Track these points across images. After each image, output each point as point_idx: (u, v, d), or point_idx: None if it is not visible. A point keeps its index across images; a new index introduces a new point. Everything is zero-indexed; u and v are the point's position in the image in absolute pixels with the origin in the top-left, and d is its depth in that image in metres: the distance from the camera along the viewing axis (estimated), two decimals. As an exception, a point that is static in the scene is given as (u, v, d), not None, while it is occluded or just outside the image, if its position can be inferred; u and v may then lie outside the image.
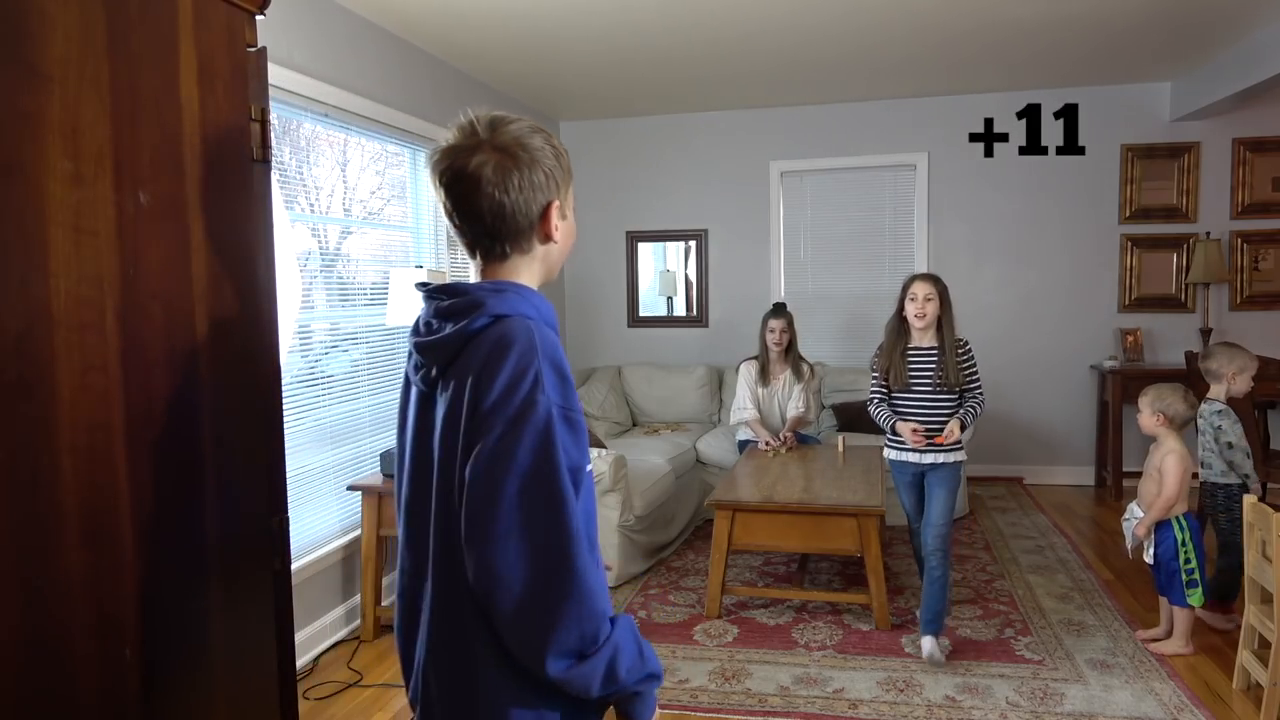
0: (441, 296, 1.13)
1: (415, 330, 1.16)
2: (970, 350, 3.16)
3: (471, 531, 1.02)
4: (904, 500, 3.32)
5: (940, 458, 3.13)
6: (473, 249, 1.16)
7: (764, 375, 4.71)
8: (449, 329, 1.10)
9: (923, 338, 3.18)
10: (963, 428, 3.09)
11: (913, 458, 3.18)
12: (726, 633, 3.40)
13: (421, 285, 1.19)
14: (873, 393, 3.29)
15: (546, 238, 1.16)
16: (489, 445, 1.01)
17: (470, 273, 1.22)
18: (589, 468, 1.15)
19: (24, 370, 1.04)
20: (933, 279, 3.15)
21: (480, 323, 1.08)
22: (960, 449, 3.17)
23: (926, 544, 3.14)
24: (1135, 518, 3.19)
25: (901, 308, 3.19)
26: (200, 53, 1.30)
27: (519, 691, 1.07)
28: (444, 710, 1.11)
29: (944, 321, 3.14)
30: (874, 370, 3.28)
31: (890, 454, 3.27)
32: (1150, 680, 2.90)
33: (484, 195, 1.09)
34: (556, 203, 1.15)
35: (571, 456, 1.04)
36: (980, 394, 3.17)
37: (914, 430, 3.10)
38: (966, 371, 3.14)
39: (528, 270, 1.17)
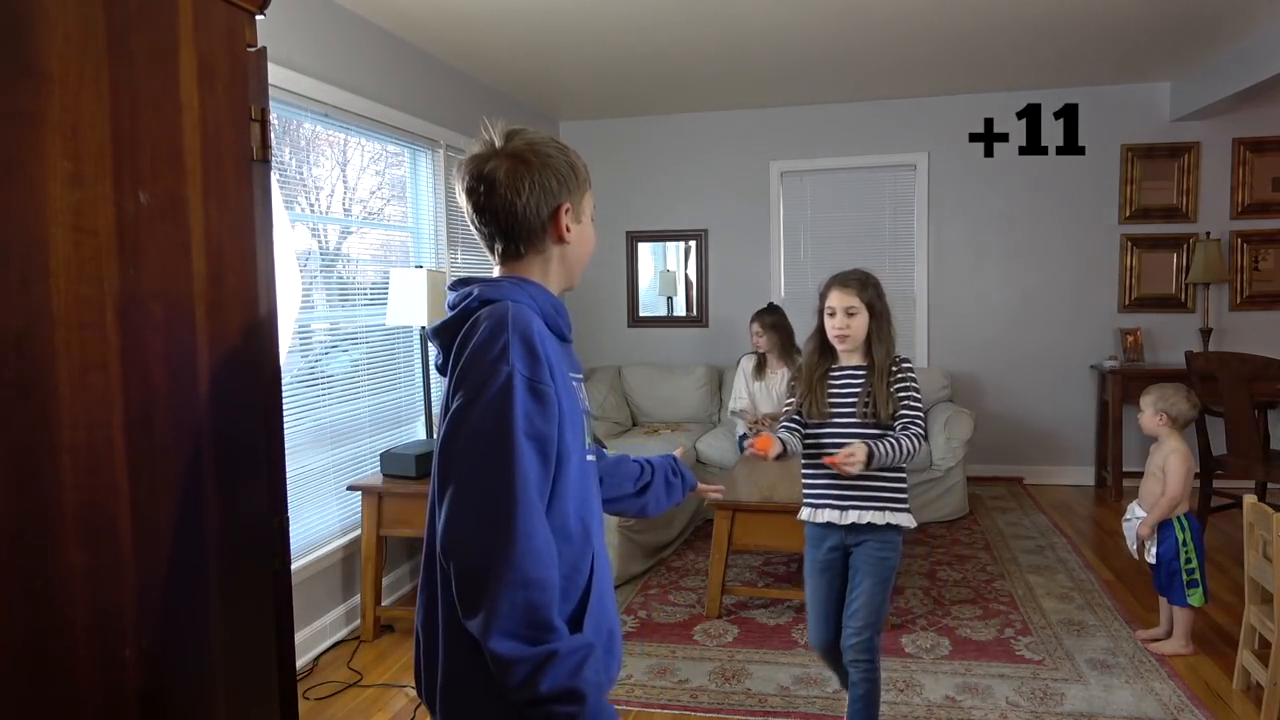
0: (452, 290, 1.25)
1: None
2: (909, 372, 2.24)
3: (439, 492, 1.07)
4: (810, 588, 2.34)
5: (869, 516, 2.20)
6: (491, 249, 1.26)
7: (759, 370, 4.83)
8: (451, 314, 1.21)
9: (850, 357, 2.29)
10: (870, 457, 2.07)
11: (832, 515, 2.25)
12: (726, 633, 3.40)
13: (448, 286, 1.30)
14: (781, 425, 2.36)
15: (559, 239, 1.24)
16: (455, 408, 1.09)
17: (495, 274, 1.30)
18: (590, 458, 1.21)
19: (24, 370, 1.04)
20: (857, 283, 2.23)
21: (473, 307, 1.18)
22: (901, 507, 2.23)
23: (845, 646, 2.24)
24: (1136, 518, 3.18)
25: (822, 320, 2.30)
26: (200, 53, 1.30)
27: (473, 668, 1.08)
28: (424, 679, 1.19)
29: (874, 337, 2.25)
30: (788, 396, 2.44)
31: (803, 513, 2.34)
32: (1150, 680, 2.90)
33: (497, 196, 1.19)
34: (567, 205, 1.23)
35: (536, 425, 1.08)
36: (917, 428, 2.18)
37: (758, 444, 2.15)
38: (901, 399, 2.21)
39: (541, 269, 1.25)
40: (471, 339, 1.11)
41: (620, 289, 6.28)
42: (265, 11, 1.48)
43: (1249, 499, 2.85)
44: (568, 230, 1.24)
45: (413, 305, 3.51)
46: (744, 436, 4.80)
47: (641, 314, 6.29)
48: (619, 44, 4.35)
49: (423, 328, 3.70)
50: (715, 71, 4.94)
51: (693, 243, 6.14)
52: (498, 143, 1.21)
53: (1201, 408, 3.46)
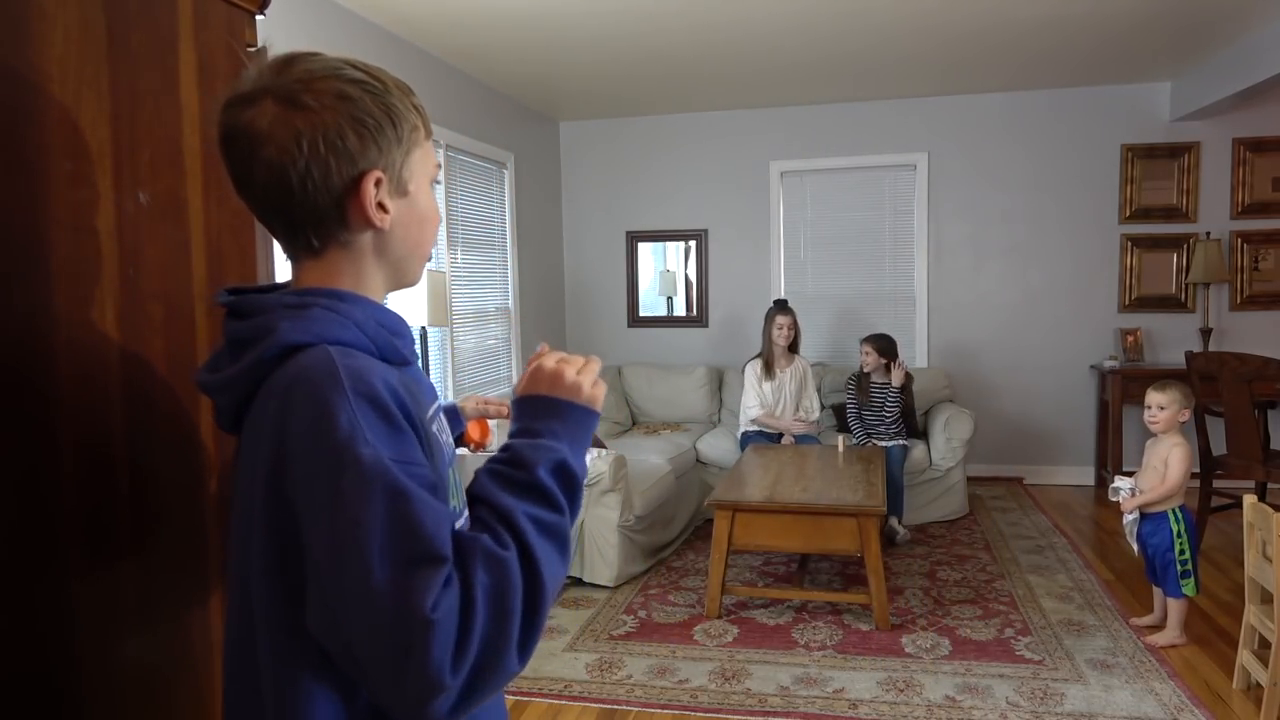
0: (234, 315, 0.87)
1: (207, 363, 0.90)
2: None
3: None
4: None
5: None
6: (275, 237, 0.90)
7: (768, 370, 4.81)
8: (237, 365, 0.84)
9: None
10: None
11: None
12: (726, 633, 3.40)
13: (227, 292, 0.90)
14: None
15: (365, 223, 0.86)
16: (309, 523, 0.76)
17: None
18: (459, 524, 0.86)
19: (24, 370, 1.04)
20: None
21: (269, 356, 0.81)
22: None
23: None
24: (1122, 489, 3.26)
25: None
26: (200, 53, 1.30)
27: None
28: None
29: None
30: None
31: None
32: (1150, 680, 2.90)
33: (259, 162, 0.82)
34: (377, 173, 0.85)
35: (423, 527, 0.74)
36: None
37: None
38: None
39: (352, 269, 0.89)
40: (290, 418, 0.76)
41: (620, 289, 6.28)
42: (265, 11, 1.48)
43: (1249, 499, 2.85)
44: (380, 210, 0.86)
45: (411, 305, 3.51)
46: (747, 436, 4.83)
47: (641, 314, 6.29)
48: (619, 44, 4.35)
49: (422, 328, 3.70)
50: (715, 71, 4.94)
51: (693, 243, 6.14)
52: (266, 77, 0.83)
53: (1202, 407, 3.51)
